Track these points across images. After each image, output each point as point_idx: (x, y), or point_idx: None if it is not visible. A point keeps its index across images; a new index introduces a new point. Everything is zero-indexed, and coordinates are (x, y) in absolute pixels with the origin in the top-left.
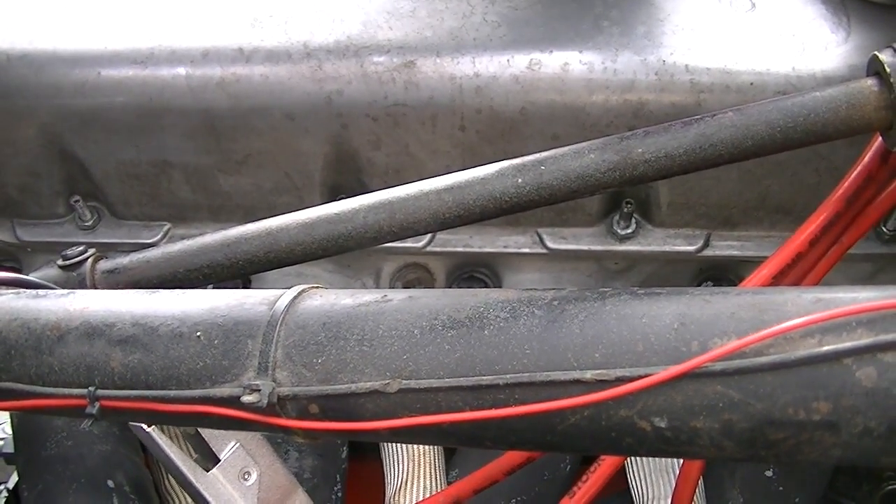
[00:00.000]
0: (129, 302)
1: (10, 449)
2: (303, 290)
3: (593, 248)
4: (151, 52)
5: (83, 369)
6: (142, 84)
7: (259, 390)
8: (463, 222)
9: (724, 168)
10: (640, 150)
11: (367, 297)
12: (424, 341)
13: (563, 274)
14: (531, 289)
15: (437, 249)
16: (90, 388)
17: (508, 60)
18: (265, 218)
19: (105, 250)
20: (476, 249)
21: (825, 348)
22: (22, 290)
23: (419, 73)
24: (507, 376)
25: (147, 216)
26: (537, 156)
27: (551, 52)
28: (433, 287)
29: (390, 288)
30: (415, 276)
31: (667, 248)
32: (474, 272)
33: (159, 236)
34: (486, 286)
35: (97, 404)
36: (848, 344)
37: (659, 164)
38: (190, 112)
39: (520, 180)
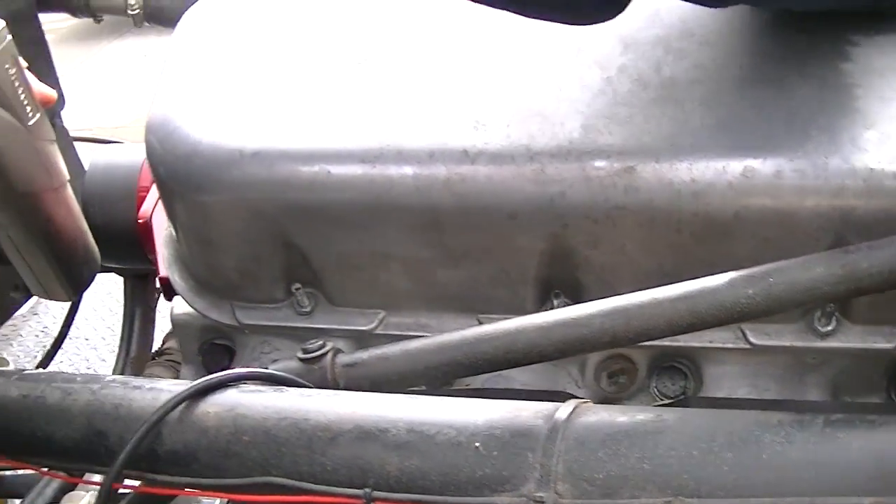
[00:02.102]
0: (399, 407)
1: None
2: (576, 406)
3: (795, 344)
4: (380, 152)
5: (356, 471)
6: (370, 182)
7: (543, 501)
8: (695, 329)
9: None
10: (864, 266)
11: (641, 416)
12: (704, 462)
13: (759, 367)
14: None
15: (643, 343)
16: (366, 490)
17: (724, 167)
18: (480, 312)
19: (321, 336)
20: (681, 344)
21: None
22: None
23: (639, 178)
24: (787, 499)
25: (363, 304)
26: (763, 268)
27: (764, 159)
28: (636, 376)
29: (594, 377)
30: (619, 366)
31: (866, 345)
32: (675, 363)
33: (374, 323)
34: (687, 378)
35: None
36: None
37: (882, 278)
38: (415, 209)
39: (750, 291)
